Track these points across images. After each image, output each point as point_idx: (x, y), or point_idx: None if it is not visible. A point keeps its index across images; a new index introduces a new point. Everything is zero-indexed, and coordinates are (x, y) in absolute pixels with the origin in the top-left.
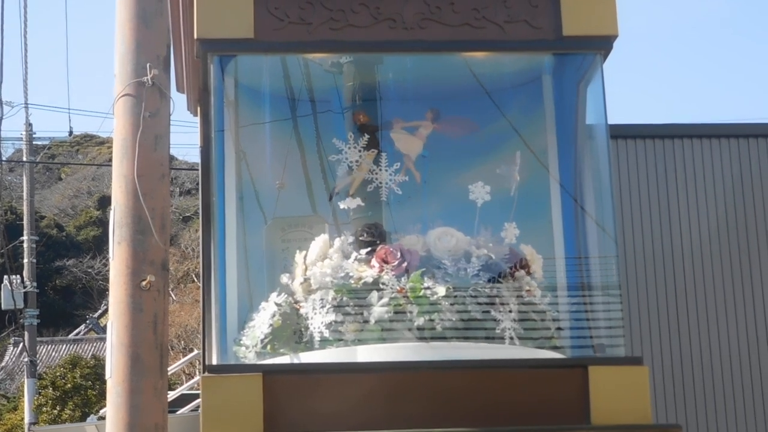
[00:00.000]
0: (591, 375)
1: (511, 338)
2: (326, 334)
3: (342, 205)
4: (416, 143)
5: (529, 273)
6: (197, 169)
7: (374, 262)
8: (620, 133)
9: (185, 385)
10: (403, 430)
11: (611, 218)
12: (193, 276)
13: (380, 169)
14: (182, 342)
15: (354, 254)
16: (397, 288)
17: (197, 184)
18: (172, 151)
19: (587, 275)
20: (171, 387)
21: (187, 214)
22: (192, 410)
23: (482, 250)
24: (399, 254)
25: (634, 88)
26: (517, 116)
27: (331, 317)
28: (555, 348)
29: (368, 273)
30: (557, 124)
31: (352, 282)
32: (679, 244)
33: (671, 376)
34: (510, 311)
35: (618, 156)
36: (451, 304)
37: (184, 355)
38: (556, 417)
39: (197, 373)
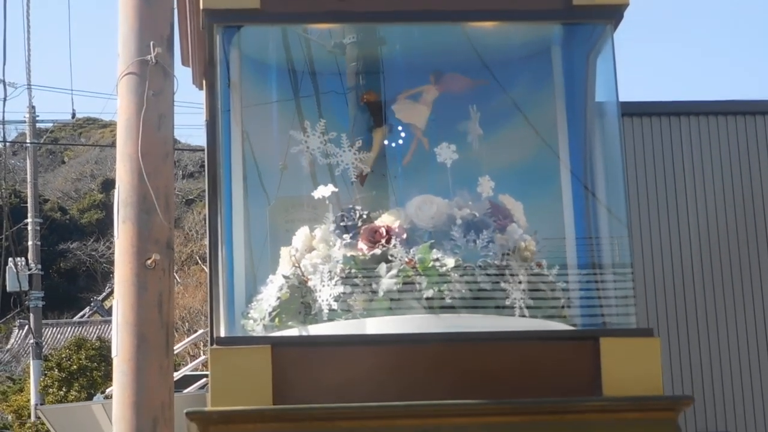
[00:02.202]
0: (602, 346)
1: (521, 309)
2: (334, 306)
3: (315, 195)
4: (421, 110)
5: (519, 226)
6: (200, 151)
7: (361, 244)
8: (626, 110)
9: (189, 365)
10: (412, 402)
11: (622, 193)
12: (197, 258)
13: (343, 151)
14: (186, 324)
15: (338, 241)
16: (406, 260)
17: (200, 166)
18: (175, 134)
19: (597, 252)
20: (176, 368)
21: (190, 197)
22: (198, 389)
23: (465, 210)
24: (384, 231)
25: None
26: (526, 88)
27: (340, 289)
28: (565, 320)
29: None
30: (566, 96)
31: (360, 255)
32: (685, 220)
33: (677, 348)
34: (519, 282)
35: (623, 133)
36: (461, 276)
37: (188, 337)
38: (568, 389)
39: (201, 354)
